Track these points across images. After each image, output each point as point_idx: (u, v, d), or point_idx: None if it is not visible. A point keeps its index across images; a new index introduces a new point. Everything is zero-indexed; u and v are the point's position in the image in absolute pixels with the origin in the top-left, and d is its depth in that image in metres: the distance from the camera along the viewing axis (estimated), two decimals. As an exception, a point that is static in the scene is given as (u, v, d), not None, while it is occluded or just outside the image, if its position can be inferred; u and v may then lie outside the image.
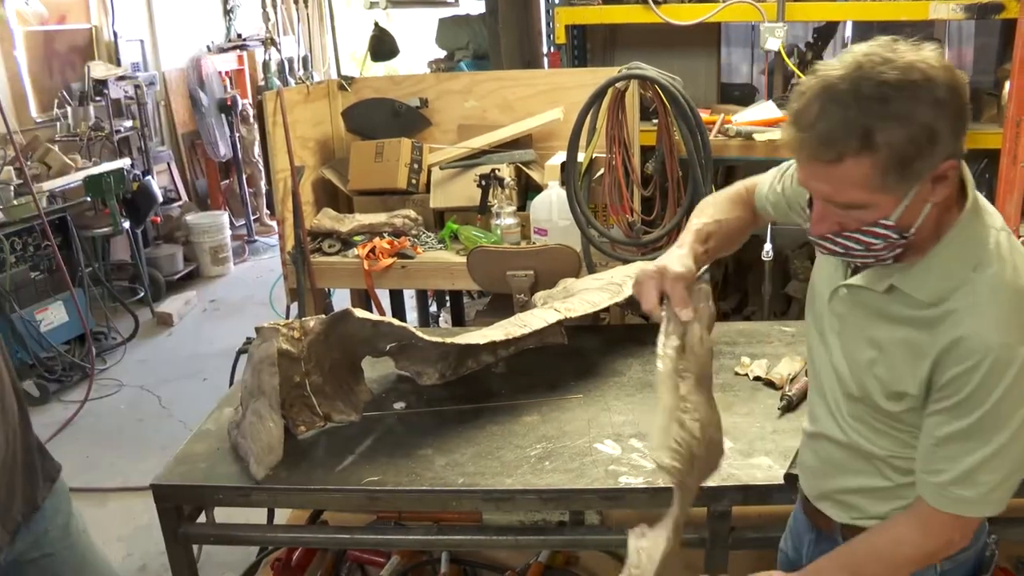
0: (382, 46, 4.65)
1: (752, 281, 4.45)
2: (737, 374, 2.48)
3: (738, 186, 1.82)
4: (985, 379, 1.30)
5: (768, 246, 3.41)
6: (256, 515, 3.06)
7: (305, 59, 7.42)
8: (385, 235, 3.75)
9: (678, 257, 1.56)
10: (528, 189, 3.93)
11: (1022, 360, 1.29)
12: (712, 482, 1.92)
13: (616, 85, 3.24)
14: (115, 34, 7.03)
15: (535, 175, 3.89)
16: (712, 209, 1.76)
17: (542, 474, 2.00)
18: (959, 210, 1.35)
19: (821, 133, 1.22)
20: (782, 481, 1.94)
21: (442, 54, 5.75)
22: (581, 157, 3.34)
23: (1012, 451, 1.35)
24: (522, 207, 3.80)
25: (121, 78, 6.66)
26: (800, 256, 4.41)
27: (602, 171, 3.40)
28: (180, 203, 7.50)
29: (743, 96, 4.71)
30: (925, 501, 1.43)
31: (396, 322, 2.24)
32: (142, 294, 6.27)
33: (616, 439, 2.15)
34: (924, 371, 1.36)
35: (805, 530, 1.78)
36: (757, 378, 2.44)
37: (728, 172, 4.27)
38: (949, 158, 1.24)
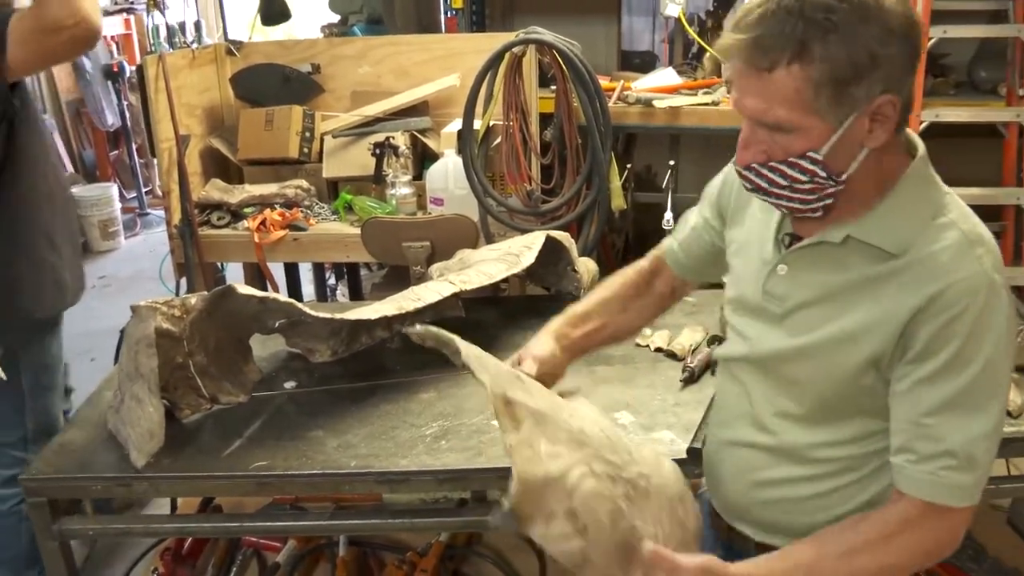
0: (272, 9, 4.47)
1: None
2: (638, 345, 2.44)
3: (642, 260, 1.75)
4: (975, 328, 1.19)
5: (669, 215, 3.39)
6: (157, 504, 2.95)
7: (198, 24, 7.13)
8: (277, 206, 3.62)
9: (537, 340, 1.51)
10: (424, 158, 3.84)
11: (1007, 306, 1.21)
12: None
13: (513, 50, 3.18)
14: (-13, -4, 6.63)
15: (431, 143, 3.80)
16: (601, 289, 1.69)
17: (438, 454, 1.93)
18: (904, 165, 1.27)
19: (758, 38, 1.14)
20: (684, 455, 1.89)
21: (335, 18, 5.58)
22: (478, 124, 3.27)
23: (1000, 425, 1.24)
24: (418, 176, 3.72)
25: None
26: (700, 224, 4.41)
27: (499, 139, 3.34)
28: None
29: (644, 64, 4.70)
30: (905, 495, 1.26)
31: (283, 298, 2.14)
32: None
33: (515, 415, 2.08)
34: (895, 332, 1.23)
35: (712, 546, 1.61)
36: (658, 349, 2.41)
37: (628, 140, 4.25)
38: (889, 93, 1.16)
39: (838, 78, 1.13)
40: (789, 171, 1.22)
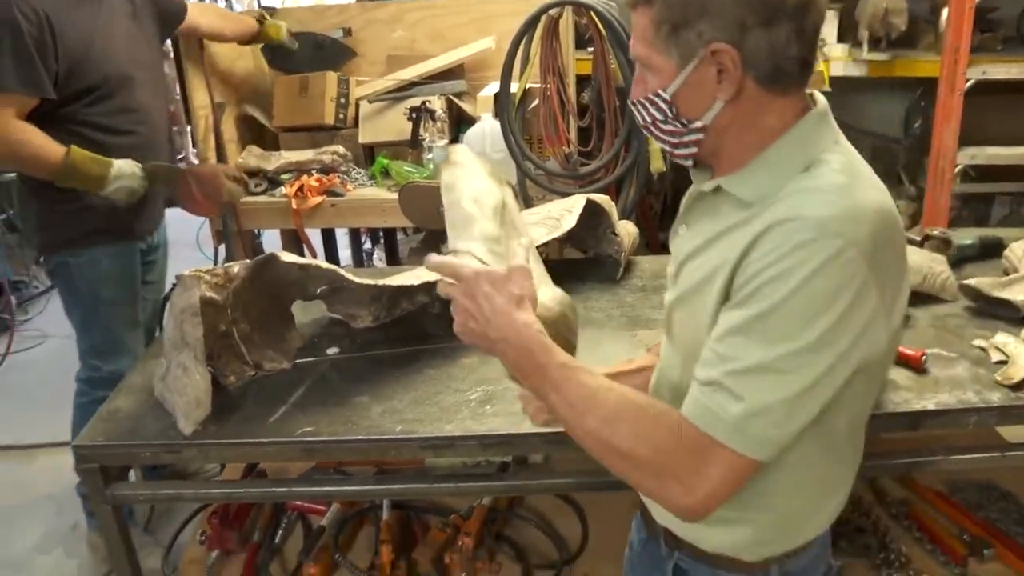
0: (304, -26, 4.47)
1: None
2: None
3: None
4: (788, 264, 1.10)
5: (707, 175, 3.36)
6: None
7: (231, -10, 7.13)
8: (313, 172, 3.62)
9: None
10: (460, 121, 3.81)
11: (836, 254, 1.09)
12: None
13: (550, 12, 3.13)
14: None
15: (467, 107, 3.78)
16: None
17: (483, 419, 1.93)
18: (786, 125, 1.23)
19: None
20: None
21: (368, -18, 5.55)
22: (514, 88, 3.24)
23: (797, 377, 1.12)
24: (454, 140, 3.69)
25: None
26: (737, 185, 4.37)
27: (536, 102, 3.31)
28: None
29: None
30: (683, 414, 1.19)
31: (325, 264, 2.14)
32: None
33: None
34: (731, 272, 1.18)
35: (639, 528, 1.61)
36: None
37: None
38: (725, 42, 1.15)
39: (671, 20, 1.18)
40: (649, 107, 1.28)
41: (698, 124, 1.24)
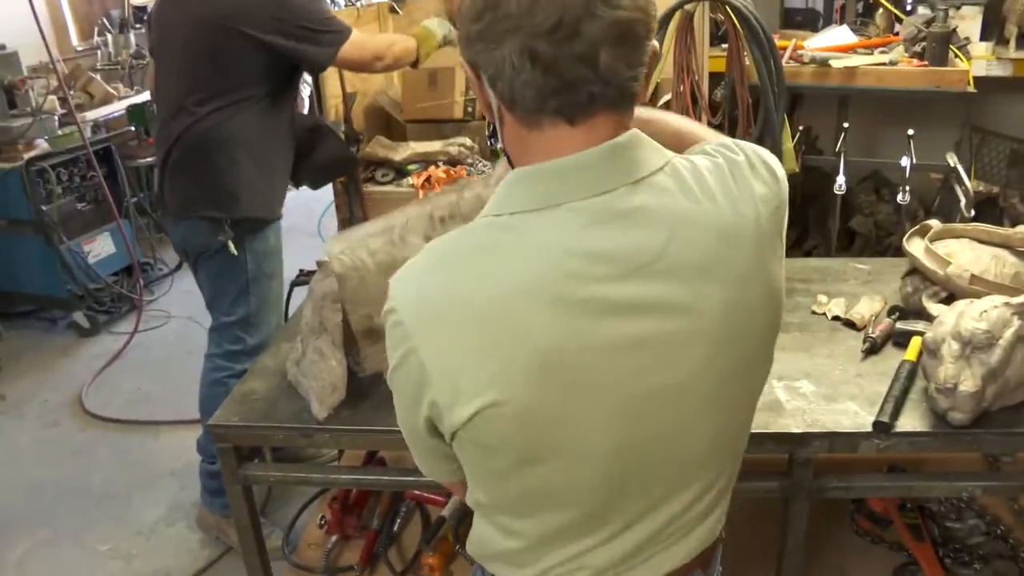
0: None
1: (813, 214, 4.31)
2: (814, 313, 2.36)
3: None
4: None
5: (841, 179, 3.26)
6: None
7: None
8: (440, 164, 3.63)
9: None
10: (588, 117, 3.78)
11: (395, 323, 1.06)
12: (797, 428, 1.84)
13: (685, 7, 3.08)
14: (155, -40, 6.86)
15: (596, 103, 3.74)
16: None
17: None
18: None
19: None
20: (870, 428, 1.83)
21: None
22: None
23: None
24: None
25: (162, 4, 6.51)
26: (865, 189, 4.25)
27: (668, 97, 3.26)
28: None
29: (805, 21, 4.51)
30: None
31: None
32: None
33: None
34: None
35: None
36: (835, 318, 2.32)
37: (793, 101, 4.10)
38: (472, 63, 1.04)
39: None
40: None
41: (492, 127, 1.15)
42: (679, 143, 1.22)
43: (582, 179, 1.02)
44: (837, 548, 2.49)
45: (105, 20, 6.32)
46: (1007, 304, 1.82)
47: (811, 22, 4.48)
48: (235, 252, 2.74)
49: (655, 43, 1.07)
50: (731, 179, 1.10)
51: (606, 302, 1.01)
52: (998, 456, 2.40)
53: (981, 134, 4.34)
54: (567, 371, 1.02)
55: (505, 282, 1.01)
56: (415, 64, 2.98)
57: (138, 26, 6.30)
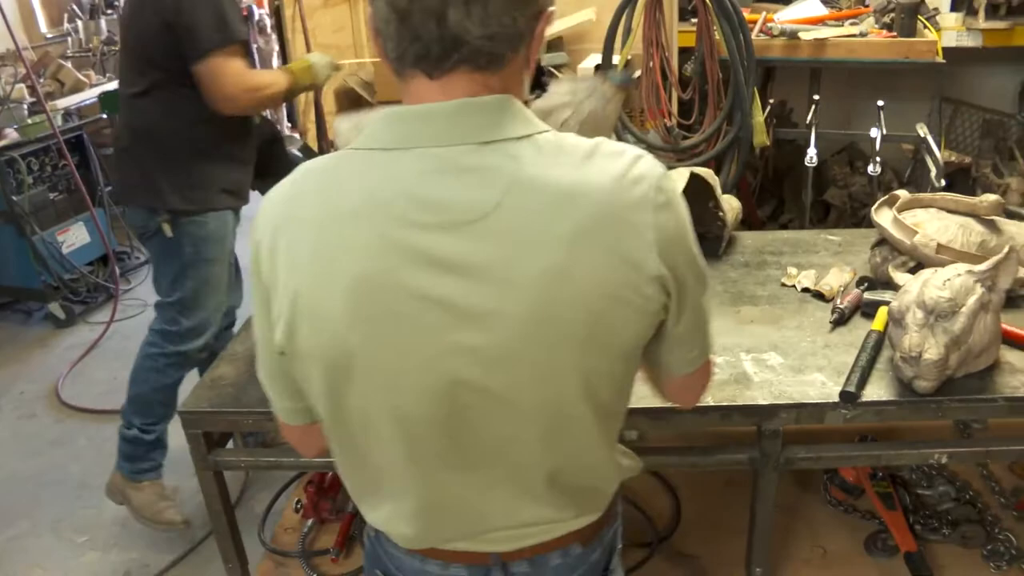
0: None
1: (788, 187, 4.32)
2: (784, 285, 2.37)
3: None
4: None
5: (812, 151, 3.26)
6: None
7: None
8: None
9: None
10: (559, 94, 3.76)
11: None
12: (764, 400, 1.85)
13: (652, -19, 3.08)
14: (125, -56, 6.79)
15: (566, 79, 3.73)
16: None
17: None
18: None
19: None
20: (837, 399, 1.84)
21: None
22: (616, 59, 3.19)
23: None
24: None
25: (132, -11, 6.45)
26: (839, 162, 4.26)
27: (638, 73, 3.25)
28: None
29: (777, -7, 4.50)
30: None
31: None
32: (165, 211, 6.11)
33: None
34: None
35: None
36: (805, 289, 2.33)
37: (765, 74, 4.10)
38: (369, 19, 1.07)
39: None
40: None
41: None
42: None
43: (426, 129, 1.05)
44: (810, 519, 2.51)
45: (75, 6, 6.25)
46: (970, 272, 1.83)
47: (783, -6, 4.46)
48: (170, 235, 2.77)
49: (547, 9, 1.07)
50: (598, 155, 1.07)
51: (426, 252, 1.02)
52: (968, 423, 2.41)
53: (954, 105, 4.34)
54: (375, 306, 1.04)
55: (339, 204, 1.05)
56: (285, 99, 3.03)
57: (109, 12, 6.23)
